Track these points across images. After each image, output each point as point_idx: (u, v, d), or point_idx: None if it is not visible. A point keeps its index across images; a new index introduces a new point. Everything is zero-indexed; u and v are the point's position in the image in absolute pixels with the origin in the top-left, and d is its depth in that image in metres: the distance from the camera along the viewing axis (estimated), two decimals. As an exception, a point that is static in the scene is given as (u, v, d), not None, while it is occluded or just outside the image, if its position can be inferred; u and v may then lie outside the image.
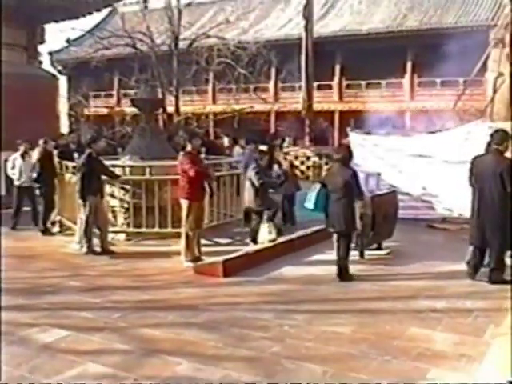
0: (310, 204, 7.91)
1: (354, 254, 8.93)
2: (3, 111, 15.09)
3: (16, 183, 11.92)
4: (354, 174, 7.75)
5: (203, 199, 9.06)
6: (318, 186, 7.94)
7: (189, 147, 9.02)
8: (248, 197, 10.02)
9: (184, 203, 8.75)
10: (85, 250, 9.43)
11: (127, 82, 26.88)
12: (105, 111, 32.92)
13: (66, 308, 6.58)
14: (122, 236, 10.46)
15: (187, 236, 8.73)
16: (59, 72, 32.26)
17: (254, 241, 9.69)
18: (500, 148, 7.42)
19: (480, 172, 7.56)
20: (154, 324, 6.01)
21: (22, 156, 11.82)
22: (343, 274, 7.76)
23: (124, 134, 23.26)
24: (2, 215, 12.08)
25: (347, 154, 7.92)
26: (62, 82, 30.63)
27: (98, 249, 9.51)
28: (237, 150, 16.14)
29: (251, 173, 9.84)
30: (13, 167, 11.88)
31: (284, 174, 11.03)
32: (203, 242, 9.60)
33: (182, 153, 9.28)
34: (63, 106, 28.64)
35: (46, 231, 11.05)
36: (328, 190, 7.83)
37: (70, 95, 33.15)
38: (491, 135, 7.66)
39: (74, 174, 10.30)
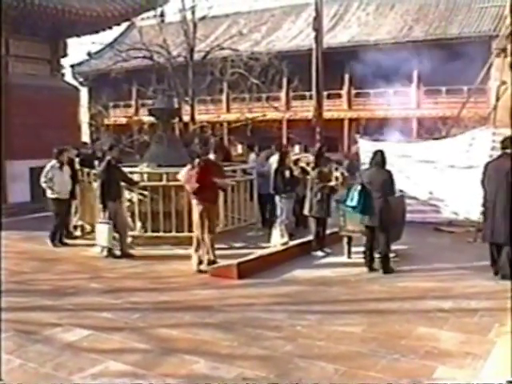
0: (352, 203, 8.29)
1: (363, 257, 8.94)
2: (29, 122, 15.24)
3: (53, 195, 10.60)
4: (390, 175, 8.32)
5: (216, 202, 8.99)
6: (358, 187, 8.25)
7: (211, 156, 8.86)
8: (309, 204, 9.68)
9: (198, 206, 8.54)
10: (105, 253, 9.47)
11: (145, 92, 27.03)
12: (124, 120, 33.07)
13: (87, 309, 6.62)
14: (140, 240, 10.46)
15: (202, 240, 8.55)
16: (80, 84, 32.46)
17: (321, 249, 9.49)
18: (508, 151, 7.78)
19: (493, 175, 7.79)
20: (171, 324, 6.03)
21: (60, 167, 10.65)
22: (386, 267, 8.11)
23: (142, 142, 23.36)
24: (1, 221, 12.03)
25: (384, 159, 8.39)
26: (83, 93, 30.76)
27: (117, 252, 9.55)
28: (252, 156, 16.13)
29: (312, 177, 9.76)
30: (51, 178, 10.52)
31: (296, 178, 11.01)
32: (218, 245, 9.64)
33: (197, 160, 8.95)
34: (84, 116, 28.85)
35: (68, 235, 11.07)
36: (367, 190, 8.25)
37: (90, 105, 33.35)
38: (502, 141, 8.05)
39: (94, 180, 10.34)
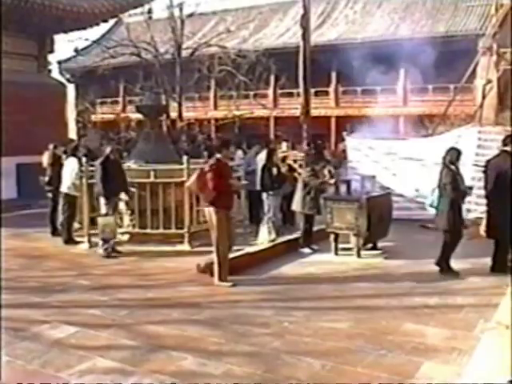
0: (432, 202, 8.23)
1: (350, 254, 8.99)
2: (15, 118, 15.13)
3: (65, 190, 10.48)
4: (453, 175, 7.75)
5: (231, 209, 8.04)
6: (436, 190, 8.09)
7: (219, 155, 7.79)
8: (297, 199, 9.66)
9: (211, 211, 7.59)
10: (102, 252, 9.35)
11: (132, 89, 26.97)
12: (111, 117, 32.91)
13: (75, 305, 6.61)
14: (127, 236, 10.42)
15: (220, 253, 7.57)
16: (67, 80, 32.24)
17: (308, 246, 9.49)
18: (508, 149, 7.95)
19: (493, 171, 7.89)
20: (159, 321, 6.03)
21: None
22: (445, 269, 7.84)
23: (129, 139, 23.29)
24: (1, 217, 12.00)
25: (453, 156, 7.85)
26: (70, 89, 30.53)
27: (119, 248, 9.54)
28: (238, 154, 16.13)
29: (305, 175, 9.68)
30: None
31: (283, 176, 11.02)
32: (205, 241, 9.66)
33: (210, 162, 7.84)
34: (71, 113, 28.65)
35: (55, 232, 10.98)
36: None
37: (77, 102, 33.15)
38: (503, 139, 8.18)
39: (89, 177, 10.22)
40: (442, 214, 7.80)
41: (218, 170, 7.56)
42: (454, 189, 7.68)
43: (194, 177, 7.87)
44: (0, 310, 6.14)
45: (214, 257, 7.64)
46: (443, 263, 7.87)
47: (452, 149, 8.02)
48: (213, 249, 7.69)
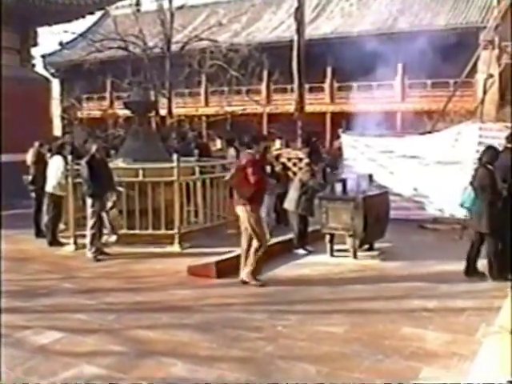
0: (464, 202, 8.06)
1: (346, 255, 9.00)
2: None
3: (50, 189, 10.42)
4: (491, 176, 7.60)
5: (261, 204, 8.03)
6: (469, 188, 7.92)
7: (251, 150, 7.72)
8: (292, 198, 9.63)
9: (247, 209, 7.53)
10: (90, 255, 9.27)
11: (120, 84, 26.96)
12: (98, 114, 32.86)
13: (60, 310, 6.57)
14: (114, 237, 10.38)
15: (261, 249, 7.58)
16: (52, 75, 32.19)
17: (303, 247, 9.50)
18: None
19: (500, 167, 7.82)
20: (148, 325, 6.01)
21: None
22: (493, 274, 7.60)
23: (117, 137, 23.24)
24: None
25: (491, 156, 7.69)
26: (55, 84, 30.58)
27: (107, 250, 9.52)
28: (231, 151, 16.12)
29: (305, 175, 9.65)
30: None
31: (276, 174, 11.03)
32: (196, 243, 9.66)
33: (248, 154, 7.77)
34: (56, 109, 28.65)
35: (39, 233, 10.94)
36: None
37: (63, 98, 33.14)
38: (506, 137, 8.29)
39: (75, 176, 10.17)
40: (480, 216, 7.62)
41: (258, 166, 7.59)
42: (493, 190, 7.54)
43: (232, 171, 7.92)
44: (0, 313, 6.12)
45: (241, 253, 7.77)
46: (493, 270, 7.57)
47: (490, 148, 7.89)
48: (238, 250, 7.91)
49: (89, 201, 9.44)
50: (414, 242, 10.26)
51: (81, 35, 31.18)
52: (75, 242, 10.04)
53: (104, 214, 9.57)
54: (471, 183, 7.85)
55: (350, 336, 5.62)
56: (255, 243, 7.56)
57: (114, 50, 24.76)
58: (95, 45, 24.87)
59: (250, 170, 7.45)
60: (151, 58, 23.36)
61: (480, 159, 7.81)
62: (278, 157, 12.46)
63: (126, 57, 25.04)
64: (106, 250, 9.61)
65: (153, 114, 20.00)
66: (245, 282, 7.58)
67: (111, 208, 9.67)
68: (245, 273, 7.63)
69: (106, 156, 10.75)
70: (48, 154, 11.49)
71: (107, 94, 38.71)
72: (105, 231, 9.92)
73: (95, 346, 5.45)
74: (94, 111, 34.68)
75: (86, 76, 29.00)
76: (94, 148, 9.68)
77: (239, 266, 7.80)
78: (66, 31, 25.22)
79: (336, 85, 33.37)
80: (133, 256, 9.40)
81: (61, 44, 31.79)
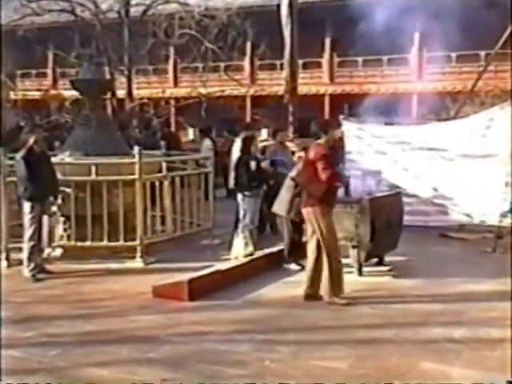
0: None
1: (349, 271, 9.02)
2: None
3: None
4: None
5: (334, 206, 8.06)
6: None
7: (322, 140, 7.82)
8: (282, 200, 9.63)
9: (317, 211, 7.66)
10: (28, 273, 9.25)
11: (65, 58, 26.72)
12: (37, 95, 32.66)
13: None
14: (59, 251, 10.33)
15: (333, 261, 7.71)
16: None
17: (295, 261, 9.54)
18: None
19: None
20: (101, 362, 5.98)
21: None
22: None
23: (62, 124, 23.13)
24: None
25: None
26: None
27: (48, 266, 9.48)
28: (206, 143, 16.12)
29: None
30: None
31: (263, 171, 11.03)
32: (164, 256, 9.64)
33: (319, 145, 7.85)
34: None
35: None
36: None
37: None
38: None
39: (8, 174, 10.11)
40: None
41: (330, 159, 7.66)
42: None
43: (299, 166, 8.09)
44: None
45: (308, 269, 7.99)
46: None
47: None
48: (216, 264, 8.25)
49: (26, 205, 9.39)
50: (434, 255, 10.31)
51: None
52: (7, 258, 9.99)
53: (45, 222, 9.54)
54: None
55: (356, 372, 5.63)
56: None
57: (56, 13, 24.59)
58: (31, 5, 24.61)
59: (320, 165, 7.52)
60: (105, 25, 23.22)
61: None
62: (264, 149, 12.47)
63: (73, 22, 24.88)
64: (49, 266, 9.58)
65: (108, 96, 19.94)
66: (331, 303, 7.65)
67: (53, 214, 9.59)
68: (325, 292, 7.74)
69: (49, 149, 10.69)
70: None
71: (49, 70, 38.53)
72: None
73: (33, 391, 5.41)
74: (31, 91, 34.45)
75: (20, 46, 28.67)
76: (31, 139, 9.59)
77: (217, 284, 7.82)
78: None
79: (336, 59, 33.39)
80: (83, 274, 9.39)
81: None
